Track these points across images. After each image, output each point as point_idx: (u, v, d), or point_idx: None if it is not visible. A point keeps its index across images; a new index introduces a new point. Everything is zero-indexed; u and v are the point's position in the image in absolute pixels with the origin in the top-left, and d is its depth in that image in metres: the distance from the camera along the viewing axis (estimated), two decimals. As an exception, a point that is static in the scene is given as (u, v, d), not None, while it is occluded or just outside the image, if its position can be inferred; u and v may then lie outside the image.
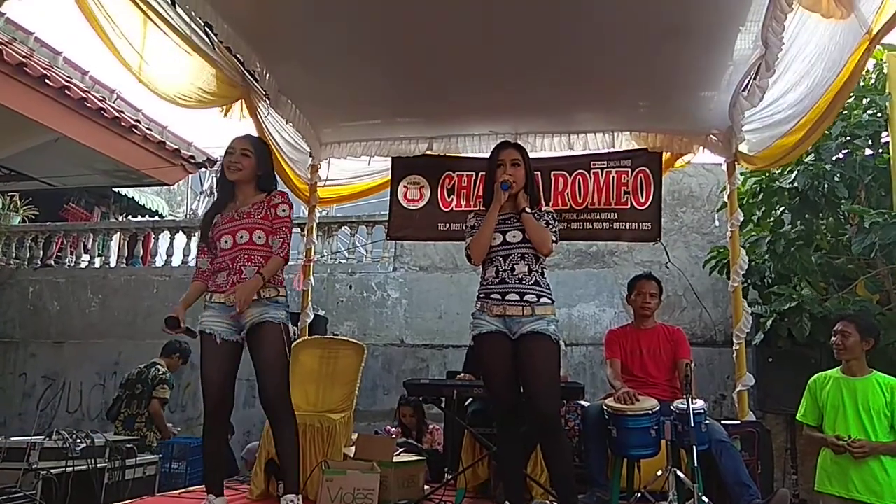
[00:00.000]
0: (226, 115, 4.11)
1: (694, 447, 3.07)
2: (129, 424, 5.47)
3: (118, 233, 9.62)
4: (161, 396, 5.66)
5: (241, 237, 3.03)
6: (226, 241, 3.04)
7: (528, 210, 3.08)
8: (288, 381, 2.99)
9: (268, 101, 4.47)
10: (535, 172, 4.98)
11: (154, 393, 5.60)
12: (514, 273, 2.99)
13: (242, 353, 3.04)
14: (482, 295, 3.07)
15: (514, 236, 3.04)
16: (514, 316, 2.94)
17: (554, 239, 3.07)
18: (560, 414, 3.06)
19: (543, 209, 3.22)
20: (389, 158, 5.27)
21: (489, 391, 3.15)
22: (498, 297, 2.99)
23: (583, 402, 3.94)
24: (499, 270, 3.02)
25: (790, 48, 3.47)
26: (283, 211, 3.10)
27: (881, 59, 4.97)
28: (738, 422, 4.10)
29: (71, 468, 4.02)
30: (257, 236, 3.03)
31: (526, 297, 2.96)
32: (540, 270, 3.06)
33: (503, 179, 3.07)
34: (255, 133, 4.51)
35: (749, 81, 3.89)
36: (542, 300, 2.99)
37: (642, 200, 4.98)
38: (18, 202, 9.98)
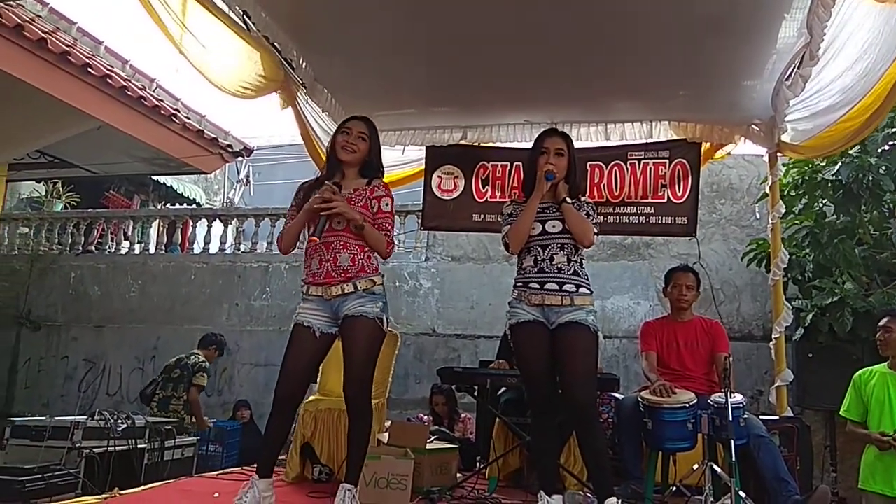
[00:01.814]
0: (282, 106, 4.13)
1: (732, 441, 3.02)
2: (164, 406, 5.58)
3: (157, 220, 9.83)
4: (199, 384, 5.76)
5: (339, 223, 2.86)
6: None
7: (568, 200, 3.03)
8: (372, 377, 2.88)
9: (304, 90, 4.50)
10: None
11: (194, 380, 5.71)
12: (553, 262, 2.95)
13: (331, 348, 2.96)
14: (520, 284, 3.04)
15: (553, 226, 3.00)
16: (553, 305, 2.91)
17: (595, 231, 3.03)
18: (596, 404, 3.01)
19: (582, 199, 3.16)
20: (423, 148, 5.27)
21: (525, 381, 3.12)
22: (536, 286, 2.95)
23: (617, 395, 3.91)
24: (537, 260, 2.98)
25: (839, 34, 3.38)
26: (387, 205, 2.94)
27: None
28: (777, 417, 4.02)
29: (112, 448, 4.12)
30: (337, 222, 2.86)
31: (565, 287, 2.92)
32: (579, 261, 3.02)
33: (547, 169, 3.00)
34: (296, 121, 4.57)
35: (793, 70, 3.80)
36: (581, 290, 2.95)
37: (679, 193, 4.90)
38: (61, 189, 10.26)
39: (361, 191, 2.95)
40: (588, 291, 2.98)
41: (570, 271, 2.96)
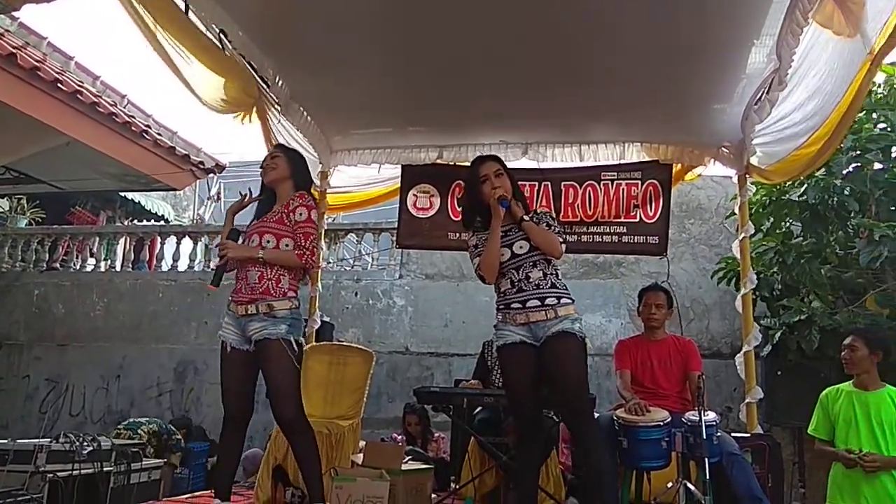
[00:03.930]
0: (242, 121, 4.11)
1: (706, 459, 3.06)
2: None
3: (125, 237, 9.65)
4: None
5: (253, 241, 3.01)
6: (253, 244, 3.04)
7: (525, 218, 3.05)
8: (299, 395, 2.93)
9: (278, 109, 4.48)
10: (545, 183, 5.11)
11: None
12: (531, 280, 2.97)
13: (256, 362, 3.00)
14: (502, 307, 3.05)
15: (520, 247, 3.02)
16: (539, 321, 2.92)
17: (561, 240, 3.05)
18: (592, 409, 3.02)
19: (539, 211, 3.21)
20: (399, 166, 5.28)
21: (510, 401, 3.13)
22: (519, 305, 2.97)
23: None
24: (514, 281, 3.00)
25: (802, 64, 3.48)
26: (301, 215, 3.01)
27: (892, 75, 4.98)
28: (749, 434, 4.08)
29: (77, 471, 4.00)
30: (266, 240, 2.98)
31: (547, 301, 2.94)
32: (554, 273, 3.05)
33: (499, 196, 3.02)
34: (263, 139, 4.55)
35: (762, 95, 3.90)
36: (563, 300, 2.97)
37: (651, 213, 4.98)
38: (25, 205, 10.02)
39: (280, 208, 3.07)
40: (570, 301, 3.00)
41: (548, 284, 2.99)
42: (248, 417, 2.97)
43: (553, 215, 3.22)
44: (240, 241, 3.04)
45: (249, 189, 3.22)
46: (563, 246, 3.06)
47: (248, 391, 2.97)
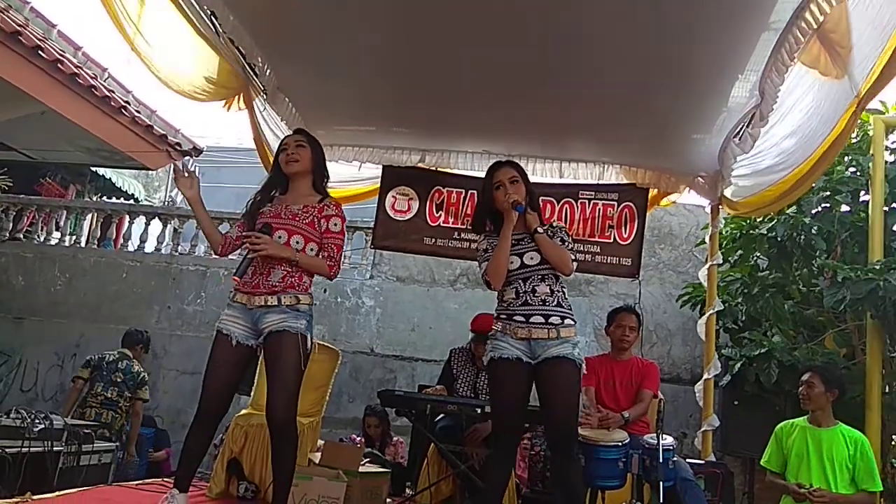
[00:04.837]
0: (227, 108, 4.07)
1: (661, 483, 3.11)
2: (110, 406, 5.37)
3: (93, 212, 9.48)
4: (144, 398, 5.63)
5: (280, 237, 2.83)
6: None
7: (539, 230, 2.96)
8: (298, 398, 2.81)
9: (264, 97, 4.45)
10: None
11: (139, 393, 5.56)
12: (536, 294, 2.89)
13: (253, 360, 2.92)
14: (503, 316, 2.95)
15: (531, 258, 2.94)
16: (539, 339, 2.85)
17: (573, 257, 2.98)
18: (576, 437, 2.95)
19: (554, 224, 3.12)
20: (380, 167, 5.27)
21: (494, 413, 3.05)
22: (522, 319, 2.88)
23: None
24: (519, 292, 2.91)
25: (786, 100, 3.56)
26: (335, 225, 2.90)
27: (866, 122, 5.13)
28: (703, 462, 4.15)
29: (27, 449, 3.90)
30: (296, 241, 2.83)
31: (550, 320, 2.87)
32: (561, 291, 2.96)
33: (514, 201, 2.93)
34: (251, 128, 4.51)
35: (742, 128, 3.97)
36: (567, 321, 2.90)
37: (625, 235, 5.03)
38: (-8, 172, 9.76)
39: (311, 208, 2.92)
40: (573, 322, 2.93)
41: (554, 302, 2.91)
42: (223, 414, 2.86)
43: (567, 231, 3.12)
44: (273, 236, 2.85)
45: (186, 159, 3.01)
46: (575, 264, 2.99)
47: (234, 388, 2.86)
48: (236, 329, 2.81)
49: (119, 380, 5.47)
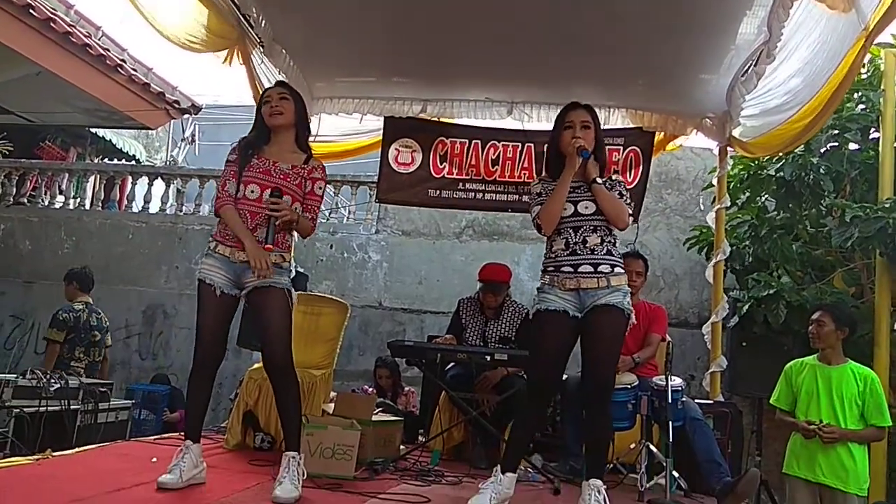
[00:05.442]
0: (226, 61, 3.99)
1: (670, 423, 3.15)
2: (91, 372, 5.22)
3: (95, 175, 9.43)
4: (109, 345, 5.53)
5: (268, 194, 2.83)
6: (252, 191, 2.83)
7: (598, 181, 2.85)
8: (291, 343, 2.88)
9: (261, 49, 4.36)
10: (528, 145, 5.08)
11: (107, 341, 5.44)
12: (587, 244, 2.81)
13: (238, 307, 2.95)
14: (551, 268, 2.86)
15: (586, 207, 2.84)
16: (589, 289, 2.77)
17: (630, 212, 2.90)
18: (612, 387, 2.88)
19: (613, 177, 3.02)
20: (382, 119, 5.19)
21: (531, 364, 3.04)
22: (570, 269, 2.80)
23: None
24: (569, 242, 2.83)
25: (794, 36, 3.48)
26: (320, 188, 2.97)
27: (877, 56, 5.01)
28: (712, 402, 4.19)
29: (44, 408, 3.97)
30: (285, 200, 2.83)
31: (600, 268, 2.78)
32: (612, 241, 2.87)
33: (580, 146, 2.82)
34: (248, 83, 4.44)
35: (749, 67, 3.90)
36: (616, 269, 2.82)
37: (630, 179, 4.98)
38: (-8, 137, 9.70)
39: (300, 168, 2.93)
40: (622, 271, 2.86)
41: (604, 251, 2.82)
42: (219, 362, 2.92)
43: (626, 185, 3.04)
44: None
45: None
46: (630, 219, 2.91)
47: (225, 335, 2.93)
48: (218, 279, 2.84)
49: (97, 338, 5.29)
